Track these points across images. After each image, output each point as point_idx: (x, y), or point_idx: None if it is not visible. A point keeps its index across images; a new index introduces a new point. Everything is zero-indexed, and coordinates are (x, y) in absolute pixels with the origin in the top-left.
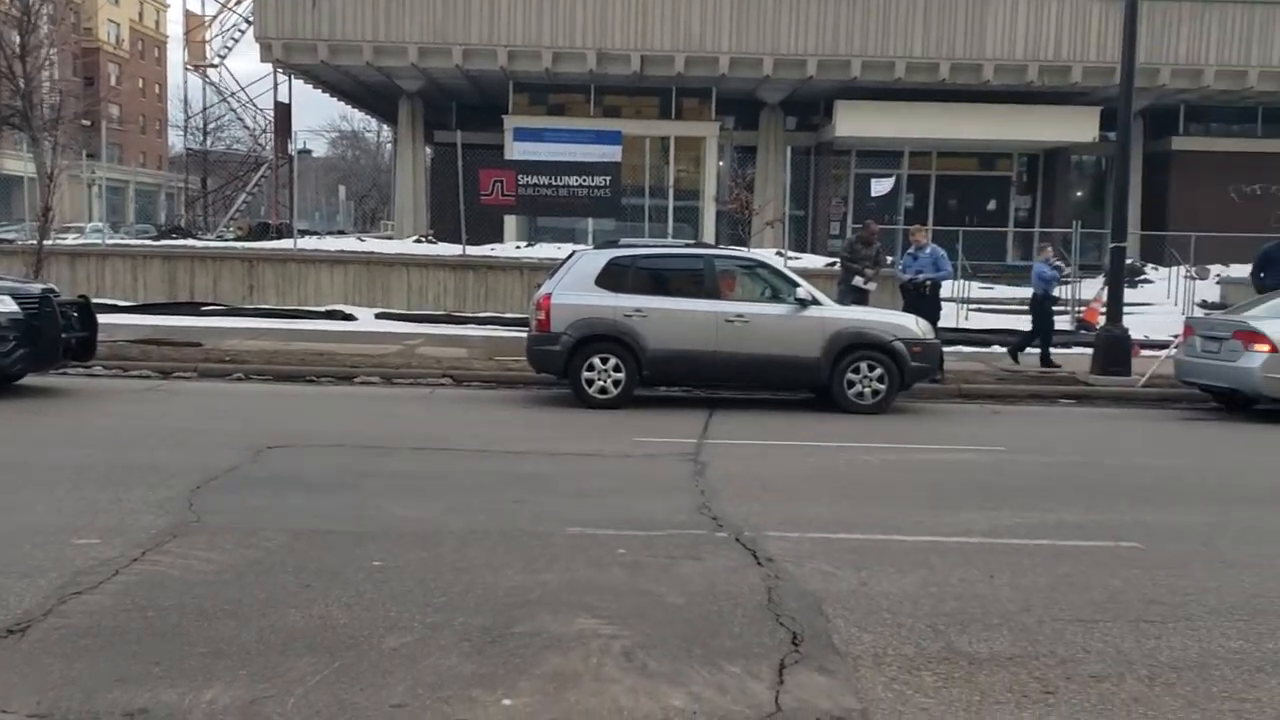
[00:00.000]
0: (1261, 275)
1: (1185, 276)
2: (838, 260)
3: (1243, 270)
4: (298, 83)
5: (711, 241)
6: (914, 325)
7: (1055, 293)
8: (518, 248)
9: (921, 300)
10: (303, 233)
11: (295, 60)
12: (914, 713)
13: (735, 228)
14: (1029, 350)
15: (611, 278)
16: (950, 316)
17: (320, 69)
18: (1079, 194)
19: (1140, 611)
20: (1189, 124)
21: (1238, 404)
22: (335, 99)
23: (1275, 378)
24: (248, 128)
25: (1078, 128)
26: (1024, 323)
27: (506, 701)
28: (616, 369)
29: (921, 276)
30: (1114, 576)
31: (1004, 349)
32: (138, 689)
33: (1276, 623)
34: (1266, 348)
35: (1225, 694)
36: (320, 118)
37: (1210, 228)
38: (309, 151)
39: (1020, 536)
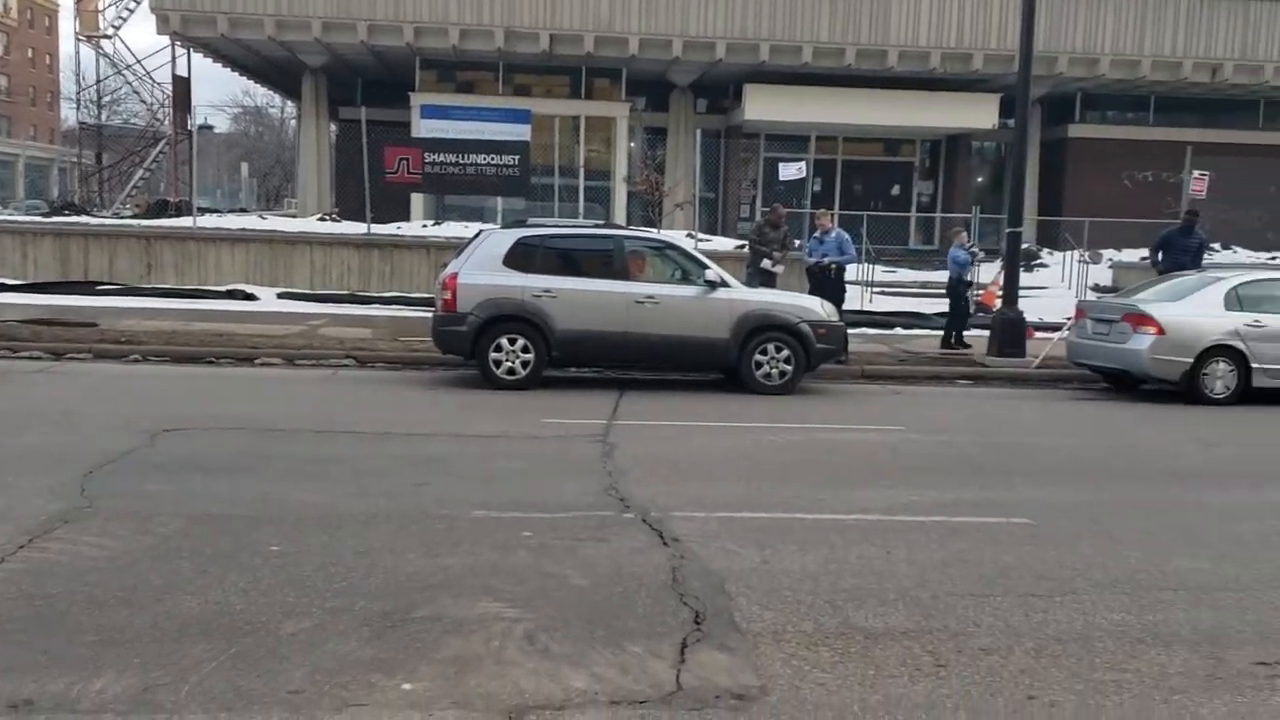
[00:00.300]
0: (1159, 257)
1: (1079, 261)
2: (746, 243)
3: (1134, 255)
4: (197, 56)
5: (622, 222)
6: (819, 308)
7: (969, 277)
8: (424, 226)
9: (826, 283)
10: (203, 210)
11: (194, 33)
12: (811, 688)
13: (646, 209)
14: (938, 331)
15: (519, 258)
16: (855, 299)
17: (220, 42)
18: (979, 180)
19: (1030, 586)
20: (1085, 112)
21: (1126, 384)
22: (237, 74)
23: (1162, 359)
24: (145, 102)
25: (978, 115)
26: (928, 305)
27: (406, 686)
28: (525, 350)
29: (827, 260)
30: (1006, 552)
31: (906, 331)
32: (22, 679)
33: (1158, 596)
34: (1154, 330)
35: (1108, 665)
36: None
37: (1104, 213)
38: (210, 127)
39: (917, 514)
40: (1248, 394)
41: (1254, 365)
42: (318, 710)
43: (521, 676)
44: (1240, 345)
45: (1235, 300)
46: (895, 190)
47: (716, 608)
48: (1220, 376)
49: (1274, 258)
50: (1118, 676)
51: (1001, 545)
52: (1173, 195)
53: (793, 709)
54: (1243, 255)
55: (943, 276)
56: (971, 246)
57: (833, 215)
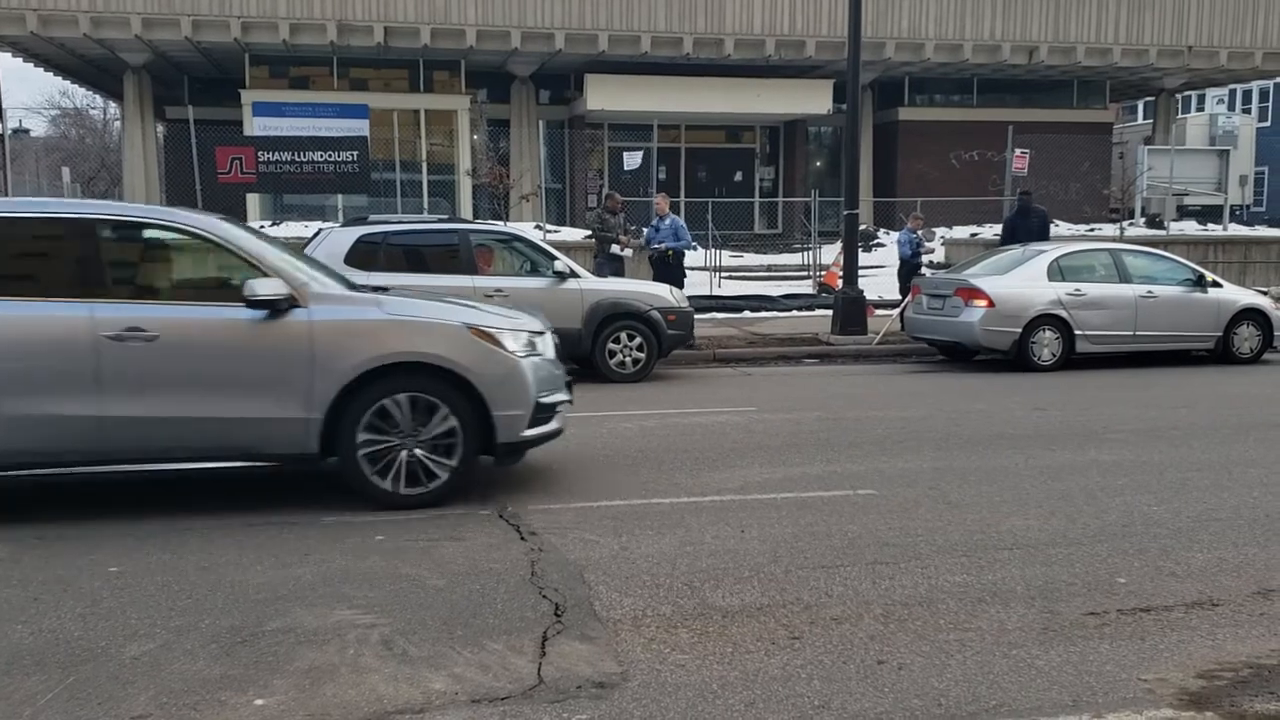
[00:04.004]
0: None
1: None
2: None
3: (964, 231)
4: (5, 55)
5: (469, 216)
6: (669, 294)
7: (924, 259)
8: (262, 227)
9: (666, 269)
10: None
11: (1, 31)
12: (671, 670)
13: (493, 202)
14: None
15: (362, 255)
16: (703, 284)
17: (31, 41)
18: (818, 164)
19: (876, 554)
20: (913, 95)
21: (961, 356)
22: (52, 74)
23: (992, 330)
24: None
25: (813, 100)
26: (774, 289)
27: (259, 701)
28: None
29: (663, 246)
30: (852, 523)
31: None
32: None
33: (995, 556)
34: (984, 303)
35: (951, 625)
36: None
37: (935, 193)
38: (26, 131)
39: (769, 491)
40: (1071, 360)
41: (1077, 332)
42: None
43: (380, 683)
44: (1064, 314)
45: (1057, 271)
46: (738, 176)
47: (576, 598)
48: (1047, 344)
49: (1092, 229)
50: (960, 635)
51: (847, 516)
52: (998, 173)
53: (654, 692)
54: (1063, 228)
55: (787, 260)
56: (915, 232)
57: (668, 200)
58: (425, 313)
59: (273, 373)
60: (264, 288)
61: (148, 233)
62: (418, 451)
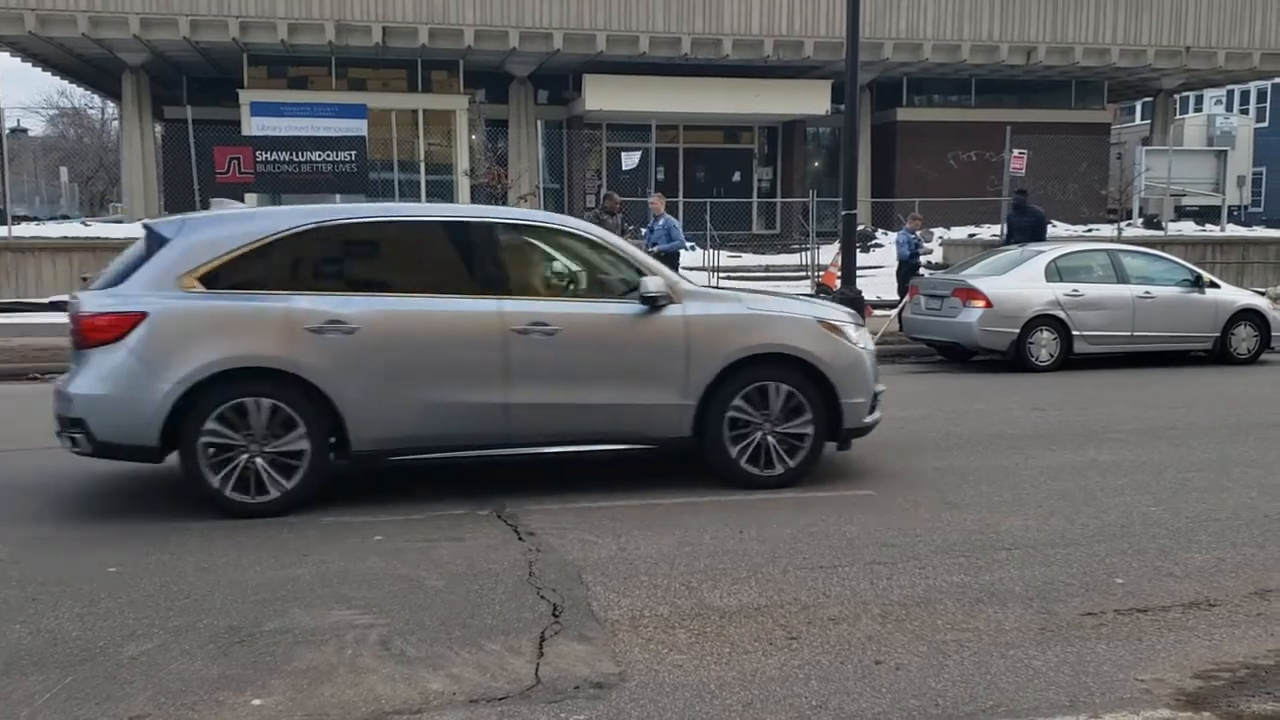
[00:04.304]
0: (1010, 241)
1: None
2: None
3: (962, 232)
4: (4, 55)
5: None
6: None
7: (918, 259)
8: None
9: None
10: (20, 219)
11: None
12: (669, 670)
13: (491, 202)
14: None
15: None
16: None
17: (30, 41)
18: (816, 164)
19: (874, 554)
20: (911, 96)
21: (958, 356)
22: (51, 74)
23: (991, 330)
24: None
25: (811, 101)
26: (771, 289)
27: (257, 702)
28: None
29: (656, 248)
30: (850, 523)
31: None
32: None
33: (993, 556)
34: (982, 303)
35: (949, 625)
36: (34, 93)
37: (934, 193)
38: (24, 130)
39: (768, 491)
40: (1069, 360)
41: (1074, 333)
42: None
43: (378, 683)
44: (1061, 314)
45: (1055, 272)
46: (736, 177)
47: (574, 599)
48: (1044, 345)
49: (1090, 229)
50: (958, 636)
51: (846, 517)
52: (995, 174)
53: (651, 693)
54: (1061, 229)
55: (785, 260)
56: (914, 233)
57: (663, 200)
58: (782, 308)
59: (655, 363)
60: (653, 285)
61: (543, 236)
62: (771, 438)
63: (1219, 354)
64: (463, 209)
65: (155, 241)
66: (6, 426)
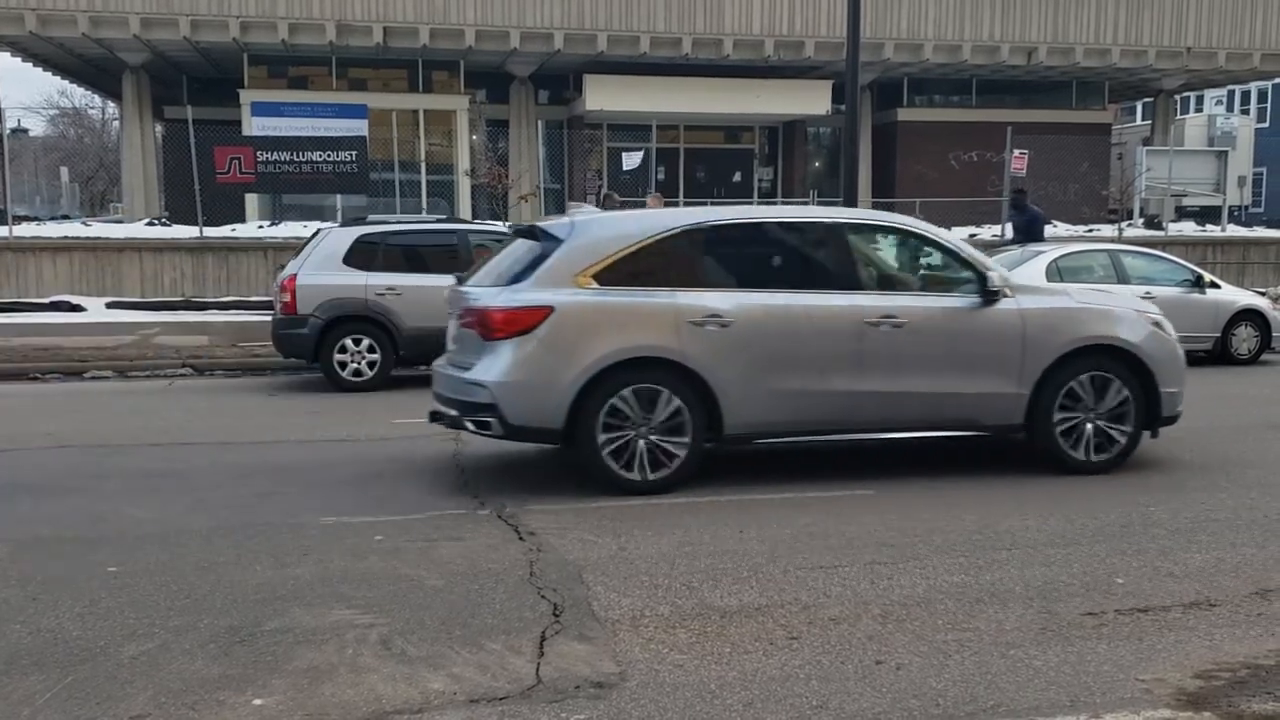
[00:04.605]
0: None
1: None
2: None
3: (962, 232)
4: (4, 55)
5: (468, 216)
6: None
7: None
8: (260, 227)
9: None
10: (20, 218)
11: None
12: (669, 670)
13: (491, 202)
14: None
15: (360, 255)
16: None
17: (30, 41)
18: (816, 164)
19: (874, 554)
20: (912, 96)
21: None
22: (51, 74)
23: None
24: None
25: (812, 101)
26: None
27: (257, 701)
28: (371, 350)
29: None
30: (850, 523)
31: None
32: None
33: (993, 556)
34: None
35: (949, 625)
36: (35, 93)
37: (934, 193)
38: (25, 130)
39: (767, 491)
40: None
41: None
42: None
43: (378, 682)
44: None
45: (1056, 272)
46: (737, 177)
47: (575, 598)
48: None
49: (1091, 230)
50: (958, 636)
51: (846, 517)
52: (996, 174)
53: (652, 692)
54: (1062, 229)
55: None
56: None
57: (664, 201)
58: (1106, 302)
59: (992, 353)
60: (996, 280)
61: (887, 235)
62: (1096, 425)
63: (1219, 354)
64: (815, 211)
65: (549, 242)
66: (7, 426)
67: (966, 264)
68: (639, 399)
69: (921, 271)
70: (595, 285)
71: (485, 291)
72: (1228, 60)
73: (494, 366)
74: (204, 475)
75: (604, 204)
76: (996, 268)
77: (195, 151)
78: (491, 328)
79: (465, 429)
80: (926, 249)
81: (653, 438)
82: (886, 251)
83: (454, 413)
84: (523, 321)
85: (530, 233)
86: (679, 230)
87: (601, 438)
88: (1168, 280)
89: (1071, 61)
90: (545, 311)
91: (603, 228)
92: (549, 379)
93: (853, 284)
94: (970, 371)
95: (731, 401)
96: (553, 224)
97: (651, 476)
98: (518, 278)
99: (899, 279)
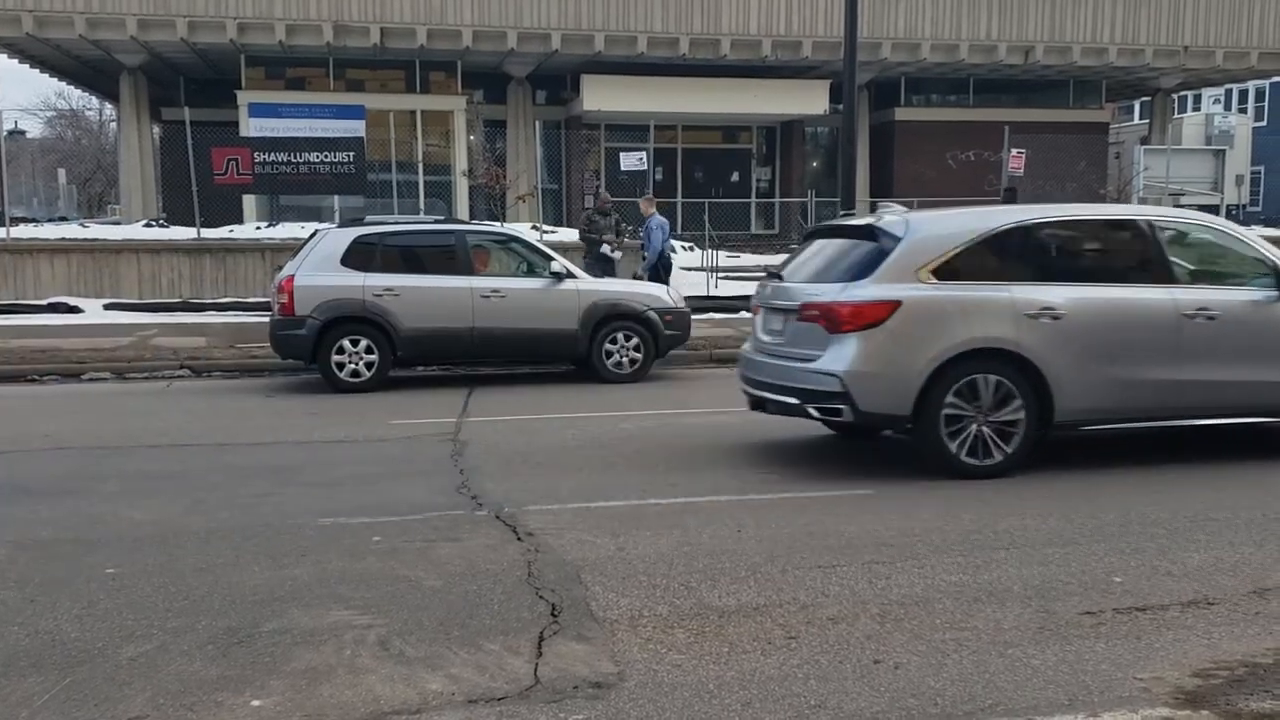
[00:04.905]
0: None
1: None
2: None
3: None
4: (1, 57)
5: (465, 217)
6: (665, 295)
7: None
8: (258, 228)
9: (653, 270)
10: (18, 220)
11: None
12: (668, 670)
13: (489, 203)
14: None
15: (358, 256)
16: (700, 285)
17: (27, 42)
18: (814, 164)
19: (872, 554)
20: (910, 95)
21: None
22: (48, 75)
23: None
24: None
25: (810, 101)
26: None
27: (255, 702)
28: (369, 350)
29: (650, 247)
30: (849, 523)
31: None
32: None
33: (992, 555)
34: None
35: (947, 624)
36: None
37: (931, 193)
38: (22, 132)
39: (766, 491)
40: None
41: None
42: None
43: (376, 683)
44: None
45: None
46: (735, 177)
47: (573, 599)
48: None
49: None
50: (957, 635)
51: (845, 516)
52: (994, 173)
53: (650, 692)
54: None
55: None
56: None
57: (651, 201)
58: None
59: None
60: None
61: (1192, 231)
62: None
63: None
64: (1128, 209)
65: (889, 241)
66: (6, 428)
67: (1260, 260)
68: (979, 388)
69: (1221, 266)
70: (935, 280)
71: (827, 288)
72: (1225, 59)
73: (844, 357)
74: (202, 476)
75: (596, 204)
76: None
77: (193, 153)
78: (839, 321)
79: (807, 416)
80: (1227, 244)
81: (990, 424)
82: (1194, 246)
83: (794, 401)
84: (871, 315)
85: (855, 232)
86: (1005, 228)
87: (943, 425)
88: None
89: (1069, 60)
90: (894, 305)
91: (937, 225)
92: (899, 369)
93: (1167, 278)
94: (1275, 362)
95: (1063, 390)
96: (890, 224)
97: (988, 461)
98: (859, 274)
99: (1206, 273)
